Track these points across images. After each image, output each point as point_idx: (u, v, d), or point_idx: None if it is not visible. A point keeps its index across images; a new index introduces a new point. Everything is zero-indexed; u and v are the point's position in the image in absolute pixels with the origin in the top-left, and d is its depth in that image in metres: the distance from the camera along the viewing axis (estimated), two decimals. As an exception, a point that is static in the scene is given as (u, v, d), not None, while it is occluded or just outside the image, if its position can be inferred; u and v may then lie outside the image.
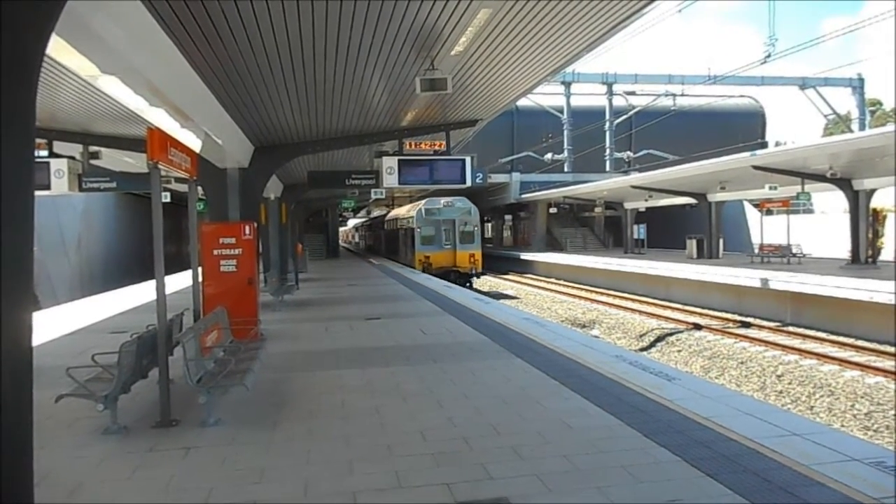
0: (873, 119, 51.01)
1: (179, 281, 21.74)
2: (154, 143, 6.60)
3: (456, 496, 4.66)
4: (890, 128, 23.31)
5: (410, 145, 13.67)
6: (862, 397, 13.83)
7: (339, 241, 71.09)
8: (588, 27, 7.62)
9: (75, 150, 13.58)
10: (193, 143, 10.11)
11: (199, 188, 13.88)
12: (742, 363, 17.58)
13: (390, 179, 12.63)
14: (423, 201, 34.28)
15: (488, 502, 4.55)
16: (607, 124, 32.12)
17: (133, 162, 15.84)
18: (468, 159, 13.09)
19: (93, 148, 13.76)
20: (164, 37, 6.81)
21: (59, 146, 13.04)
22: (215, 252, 11.42)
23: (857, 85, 41.17)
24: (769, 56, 17.30)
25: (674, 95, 34.78)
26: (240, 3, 6.18)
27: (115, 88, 7.23)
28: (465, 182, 13.18)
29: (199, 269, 11.36)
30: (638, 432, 5.96)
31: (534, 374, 8.50)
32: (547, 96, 38.48)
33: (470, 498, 4.62)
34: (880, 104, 60.18)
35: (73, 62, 6.19)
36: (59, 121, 11.83)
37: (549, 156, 44.58)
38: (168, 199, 20.42)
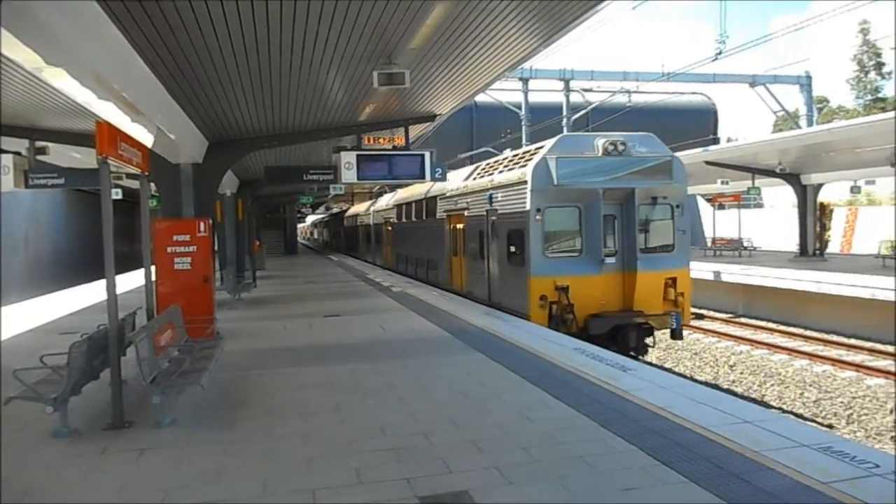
0: (820, 116, 52.64)
1: (133, 280, 21.22)
2: (103, 137, 6.42)
3: (416, 491, 4.66)
4: (836, 124, 24.10)
5: (369, 140, 13.58)
6: (810, 385, 14.29)
7: (298, 238, 70.31)
8: (543, 24, 7.68)
9: (21, 145, 13.11)
10: (145, 137, 9.86)
11: (152, 184, 13.58)
12: (696, 354, 18.00)
13: (349, 175, 12.54)
14: (553, 141, 13.80)
15: (449, 496, 4.56)
16: (564, 120, 32.40)
17: (82, 157, 15.38)
18: (427, 154, 13.07)
19: (39, 143, 13.30)
20: (113, 28, 6.61)
21: (3, 141, 12.58)
22: (169, 250, 11.19)
23: (805, 82, 42.41)
24: (720, 53, 17.70)
25: (629, 92, 35.31)
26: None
27: (61, 81, 7.00)
28: (424, 177, 13.16)
29: (153, 268, 11.18)
30: (595, 423, 6.04)
31: (494, 368, 8.55)
32: (506, 92, 38.71)
33: (430, 492, 4.63)
34: (827, 101, 62.13)
35: (17, 54, 5.97)
36: (3, 115, 11.41)
37: (507, 151, 44.60)
38: (119, 196, 19.85)
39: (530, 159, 13.49)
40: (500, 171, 14.99)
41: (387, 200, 30.41)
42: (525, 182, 13.04)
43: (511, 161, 14.98)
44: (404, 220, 25.66)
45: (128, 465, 5.43)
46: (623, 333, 12.55)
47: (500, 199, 14.56)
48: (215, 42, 7.32)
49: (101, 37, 6.63)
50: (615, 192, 12.91)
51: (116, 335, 6.60)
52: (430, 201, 21.18)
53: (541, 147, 13.64)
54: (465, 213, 17.00)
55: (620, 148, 12.92)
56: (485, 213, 15.49)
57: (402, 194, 26.64)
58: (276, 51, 7.82)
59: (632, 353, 12.19)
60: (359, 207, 42.10)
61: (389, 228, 29.27)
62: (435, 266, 20.92)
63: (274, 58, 8.09)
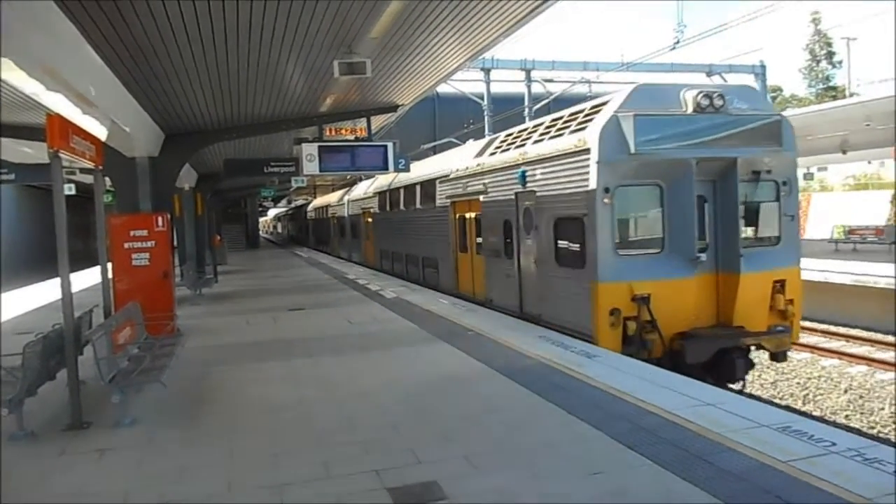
0: (775, 104, 53.92)
1: (90, 277, 20.68)
2: (54, 130, 6.21)
3: (385, 482, 4.63)
4: (789, 112, 24.65)
5: (331, 132, 13.45)
6: (768, 367, 14.64)
7: (260, 232, 69.33)
8: (503, 13, 7.67)
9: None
10: (98, 130, 9.56)
11: (107, 179, 13.23)
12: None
13: (310, 167, 12.40)
14: (625, 92, 10.02)
15: (418, 486, 4.55)
16: (526, 111, 32.53)
17: (32, 152, 14.89)
18: (390, 145, 13.02)
19: (-14, 138, 12.83)
20: (62, 16, 6.38)
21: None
22: (126, 245, 10.92)
23: (760, 71, 43.25)
24: (678, 42, 17.95)
25: (589, 83, 35.60)
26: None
27: (7, 72, 6.73)
28: (387, 168, 13.10)
29: (110, 265, 10.90)
30: (561, 409, 6.09)
31: (461, 358, 8.55)
32: (469, 83, 38.71)
33: (399, 483, 4.61)
34: (780, 90, 63.59)
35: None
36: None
37: (470, 142, 44.64)
38: (73, 192, 19.28)
39: (590, 119, 9.88)
40: (539, 140, 11.29)
41: (365, 188, 26.43)
42: (586, 151, 9.46)
43: (556, 124, 11.05)
44: (389, 209, 22.09)
45: (87, 467, 5.30)
46: (727, 359, 9.32)
47: (539, 177, 10.91)
48: (169, 31, 7.12)
49: (51, 27, 6.40)
50: (710, 164, 9.52)
51: (72, 334, 6.41)
52: (426, 186, 17.60)
53: (604, 102, 10.16)
54: (481, 197, 13.42)
55: (718, 103, 9.48)
56: (513, 196, 11.88)
57: (385, 179, 22.60)
58: (234, 40, 7.65)
59: (733, 386, 9.20)
60: (329, 197, 38.00)
61: (369, 220, 25.56)
62: (433, 265, 17.31)
63: (231, 47, 7.91)
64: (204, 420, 6.35)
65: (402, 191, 20.10)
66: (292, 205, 66.14)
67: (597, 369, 7.49)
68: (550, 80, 38.27)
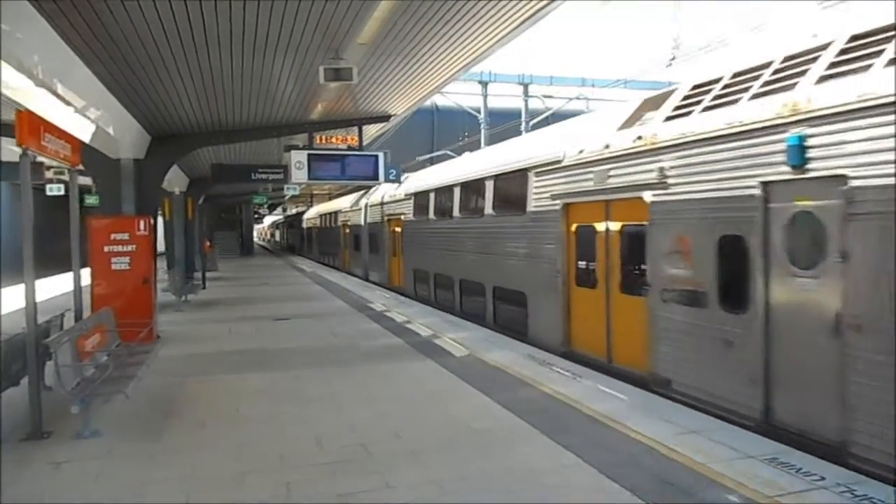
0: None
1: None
2: (23, 126, 6.02)
3: (349, 509, 4.38)
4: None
5: (321, 139, 13.25)
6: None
7: (255, 239, 68.86)
8: (497, 21, 7.48)
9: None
10: (80, 130, 9.32)
11: (92, 179, 13.00)
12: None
13: (299, 174, 12.17)
14: None
15: (383, 514, 4.30)
16: (523, 125, 32.47)
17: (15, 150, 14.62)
18: (381, 155, 12.79)
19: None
20: (35, 13, 6.16)
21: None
22: (106, 249, 10.66)
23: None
24: (674, 59, 17.88)
25: (587, 99, 35.60)
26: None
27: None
28: (377, 178, 12.88)
29: (89, 268, 10.64)
30: (542, 433, 5.85)
31: (443, 375, 8.30)
32: (469, 96, 38.69)
33: (364, 510, 4.36)
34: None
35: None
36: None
37: (466, 154, 44.51)
38: (62, 192, 18.98)
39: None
40: (839, 72, 5.89)
41: (391, 189, 20.76)
42: None
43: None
44: (434, 215, 16.55)
45: (41, 480, 5.06)
46: None
47: (862, 148, 5.39)
48: (147, 32, 6.88)
49: (23, 22, 6.17)
50: None
51: (35, 339, 6.15)
52: (506, 181, 12.30)
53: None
54: (648, 195, 8.00)
55: None
56: (753, 191, 6.54)
57: (427, 176, 18.27)
58: (216, 43, 7.42)
59: None
60: (340, 202, 32.14)
61: (398, 230, 20.11)
62: (516, 301, 11.73)
63: (213, 50, 7.69)
64: (169, 434, 6.08)
65: (457, 190, 14.87)
66: (292, 211, 64.65)
67: (580, 390, 7.24)
68: (549, 96, 38.29)
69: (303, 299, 17.55)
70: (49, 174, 18.25)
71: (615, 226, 8.91)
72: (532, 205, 10.97)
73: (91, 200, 19.42)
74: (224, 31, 7.07)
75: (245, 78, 9.13)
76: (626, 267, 8.72)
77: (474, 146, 28.46)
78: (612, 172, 8.71)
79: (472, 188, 14.08)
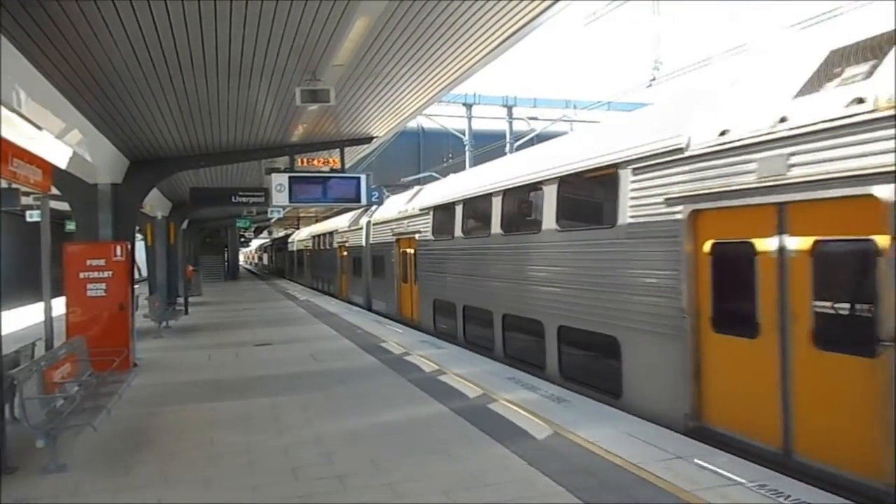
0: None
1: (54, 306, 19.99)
2: (-11, 152, 5.85)
3: (321, 545, 4.19)
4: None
5: (303, 162, 13.13)
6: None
7: (241, 263, 68.29)
8: (474, 43, 7.44)
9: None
10: (58, 155, 9.13)
11: (69, 205, 12.76)
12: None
13: (280, 197, 12.04)
14: None
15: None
16: (507, 146, 32.57)
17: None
18: (363, 177, 12.68)
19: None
20: (7, 44, 6.02)
21: None
22: (82, 275, 10.47)
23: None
24: (654, 80, 17.96)
25: (570, 121, 35.82)
26: (93, 3, 5.51)
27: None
28: (360, 200, 12.76)
29: (63, 297, 10.41)
30: (523, 461, 5.69)
31: (426, 402, 8.12)
32: (454, 118, 38.83)
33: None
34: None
35: None
36: None
37: (451, 176, 44.54)
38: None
39: None
40: None
41: (401, 203, 18.29)
42: None
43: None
44: (463, 233, 13.54)
45: (0, 520, 4.82)
46: None
47: None
48: (118, 54, 6.74)
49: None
50: None
51: (0, 370, 5.93)
52: (597, 180, 8.86)
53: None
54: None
55: None
56: None
57: (452, 186, 15.07)
58: (190, 66, 7.28)
59: None
60: (334, 222, 29.25)
61: (410, 251, 17.09)
62: (595, 347, 8.85)
63: (188, 73, 7.55)
64: (138, 467, 5.86)
65: (497, 200, 11.90)
66: (280, 234, 63.96)
67: (565, 415, 7.09)
68: (535, 118, 38.51)
69: (284, 322, 17.28)
70: (29, 200, 18.07)
71: (800, 242, 5.74)
72: (628, 214, 7.80)
73: (72, 226, 19.18)
74: (199, 56, 6.96)
75: (223, 102, 9.01)
76: (825, 307, 5.60)
77: (459, 167, 28.47)
78: (796, 159, 5.63)
79: (521, 197, 11.17)
